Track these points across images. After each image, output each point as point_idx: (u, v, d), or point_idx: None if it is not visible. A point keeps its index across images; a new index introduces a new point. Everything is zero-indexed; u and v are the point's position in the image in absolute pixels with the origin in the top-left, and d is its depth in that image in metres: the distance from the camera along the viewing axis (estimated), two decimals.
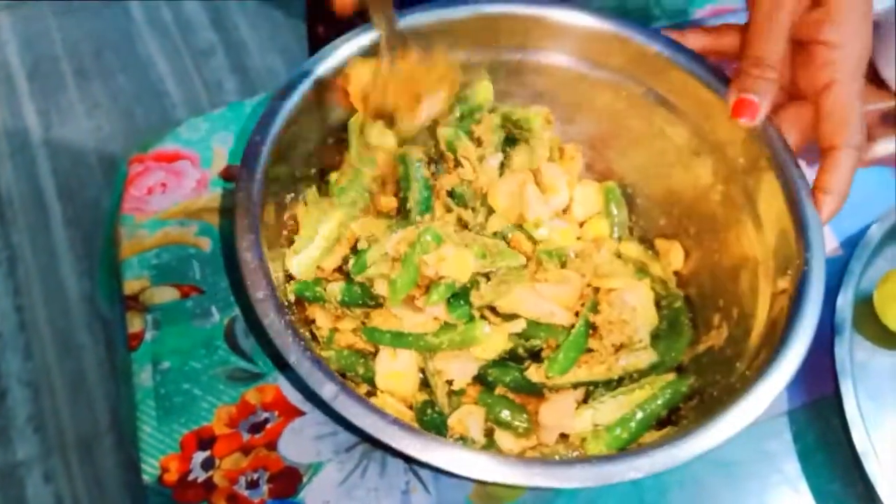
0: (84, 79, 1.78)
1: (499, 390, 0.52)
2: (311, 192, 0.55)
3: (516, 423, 0.51)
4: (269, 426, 0.53)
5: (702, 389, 0.51)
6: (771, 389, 0.43)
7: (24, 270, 1.52)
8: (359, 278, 0.52)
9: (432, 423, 0.50)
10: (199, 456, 0.51)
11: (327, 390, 0.41)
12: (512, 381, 0.51)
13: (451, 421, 0.50)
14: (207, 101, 1.76)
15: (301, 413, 0.53)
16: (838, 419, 0.53)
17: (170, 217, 0.60)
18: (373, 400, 0.46)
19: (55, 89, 1.76)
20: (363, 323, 0.53)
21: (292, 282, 0.53)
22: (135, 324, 0.56)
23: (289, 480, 0.51)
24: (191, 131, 0.64)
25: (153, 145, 0.63)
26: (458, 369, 0.51)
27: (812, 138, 0.51)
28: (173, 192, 0.61)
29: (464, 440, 0.50)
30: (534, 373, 0.51)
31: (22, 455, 1.33)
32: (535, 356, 0.53)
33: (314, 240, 0.53)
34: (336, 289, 0.52)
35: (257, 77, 1.80)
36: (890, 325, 0.58)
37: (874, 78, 0.73)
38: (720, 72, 0.54)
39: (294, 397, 0.54)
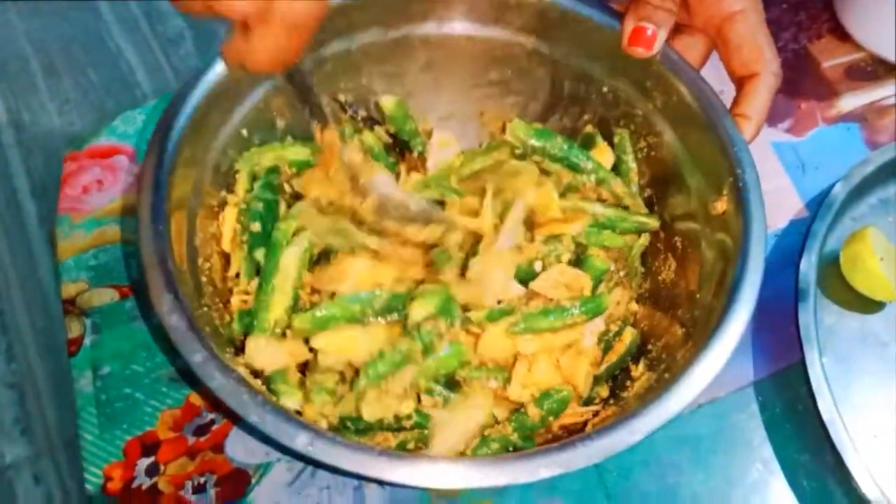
0: (53, 76, 1.75)
1: None
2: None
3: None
4: (215, 428, 0.51)
5: (651, 338, 0.50)
6: (736, 328, 0.42)
7: (2, 272, 1.49)
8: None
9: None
10: (144, 462, 0.50)
11: (301, 441, 0.37)
12: None
13: None
14: None
15: None
16: (806, 388, 0.51)
17: (106, 215, 0.58)
18: None
19: (24, 88, 1.73)
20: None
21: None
22: (73, 328, 0.54)
23: (237, 483, 0.49)
24: (126, 124, 0.62)
25: (88, 141, 0.61)
26: None
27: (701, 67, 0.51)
28: (110, 189, 0.59)
29: None
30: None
31: (10, 458, 1.31)
32: None
33: (269, 319, 0.46)
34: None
35: None
36: (857, 286, 0.56)
37: (838, 31, 0.70)
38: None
39: None
